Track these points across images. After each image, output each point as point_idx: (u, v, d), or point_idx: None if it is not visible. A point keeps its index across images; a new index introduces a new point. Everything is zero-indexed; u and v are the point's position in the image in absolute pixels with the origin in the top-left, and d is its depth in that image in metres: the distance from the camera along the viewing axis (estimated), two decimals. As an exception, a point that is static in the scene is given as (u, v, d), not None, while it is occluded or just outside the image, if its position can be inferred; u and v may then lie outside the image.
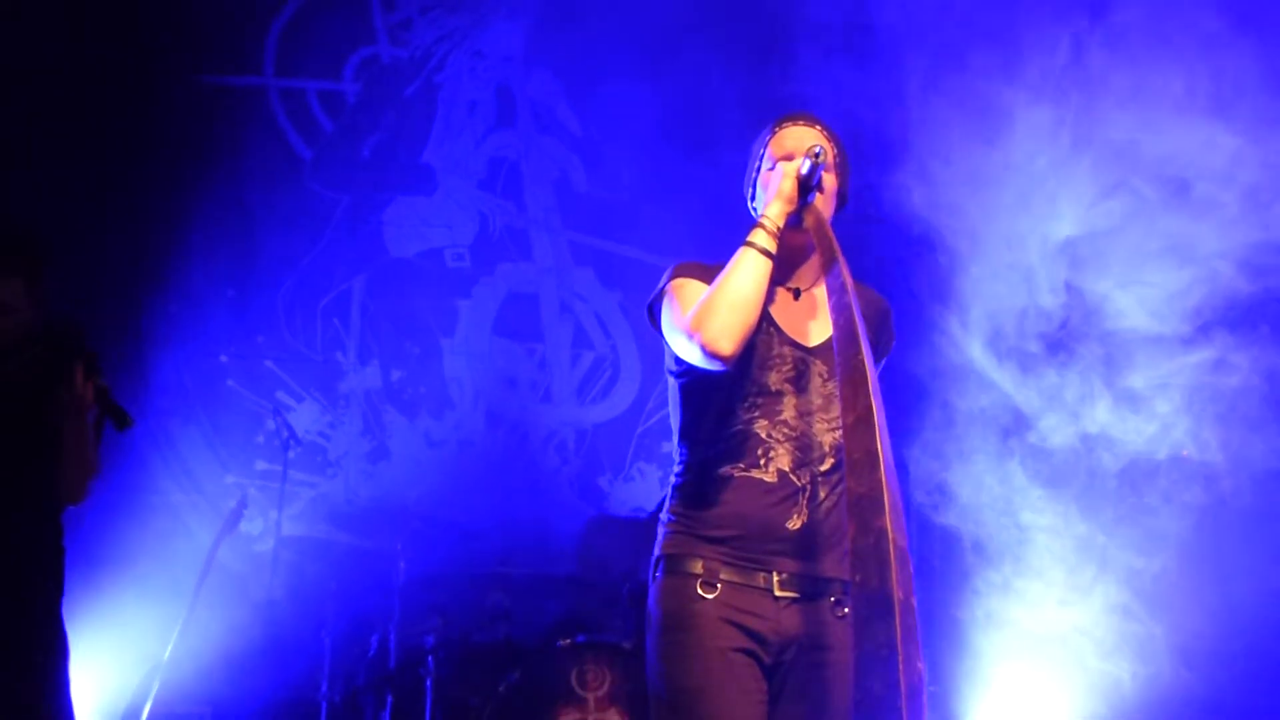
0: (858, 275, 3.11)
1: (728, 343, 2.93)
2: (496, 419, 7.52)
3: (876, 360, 3.20)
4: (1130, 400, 6.06)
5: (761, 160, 3.23)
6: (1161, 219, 5.77)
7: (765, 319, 3.12)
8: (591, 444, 7.54)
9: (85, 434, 3.95)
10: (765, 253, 3.01)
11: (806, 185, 3.07)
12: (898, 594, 2.57)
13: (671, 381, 3.21)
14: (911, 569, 2.69)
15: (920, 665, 2.58)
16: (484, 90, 7.80)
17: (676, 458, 3.19)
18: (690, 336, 2.96)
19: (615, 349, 7.74)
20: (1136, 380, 6.02)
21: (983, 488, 6.45)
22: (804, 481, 3.06)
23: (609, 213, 7.79)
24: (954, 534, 6.75)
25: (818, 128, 3.21)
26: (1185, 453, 6.20)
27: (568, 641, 5.68)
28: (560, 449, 7.54)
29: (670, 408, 3.24)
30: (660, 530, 3.16)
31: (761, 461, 3.06)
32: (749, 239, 3.03)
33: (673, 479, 3.19)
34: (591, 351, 7.72)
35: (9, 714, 3.68)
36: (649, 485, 7.44)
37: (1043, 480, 6.27)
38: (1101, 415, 6.10)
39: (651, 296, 3.21)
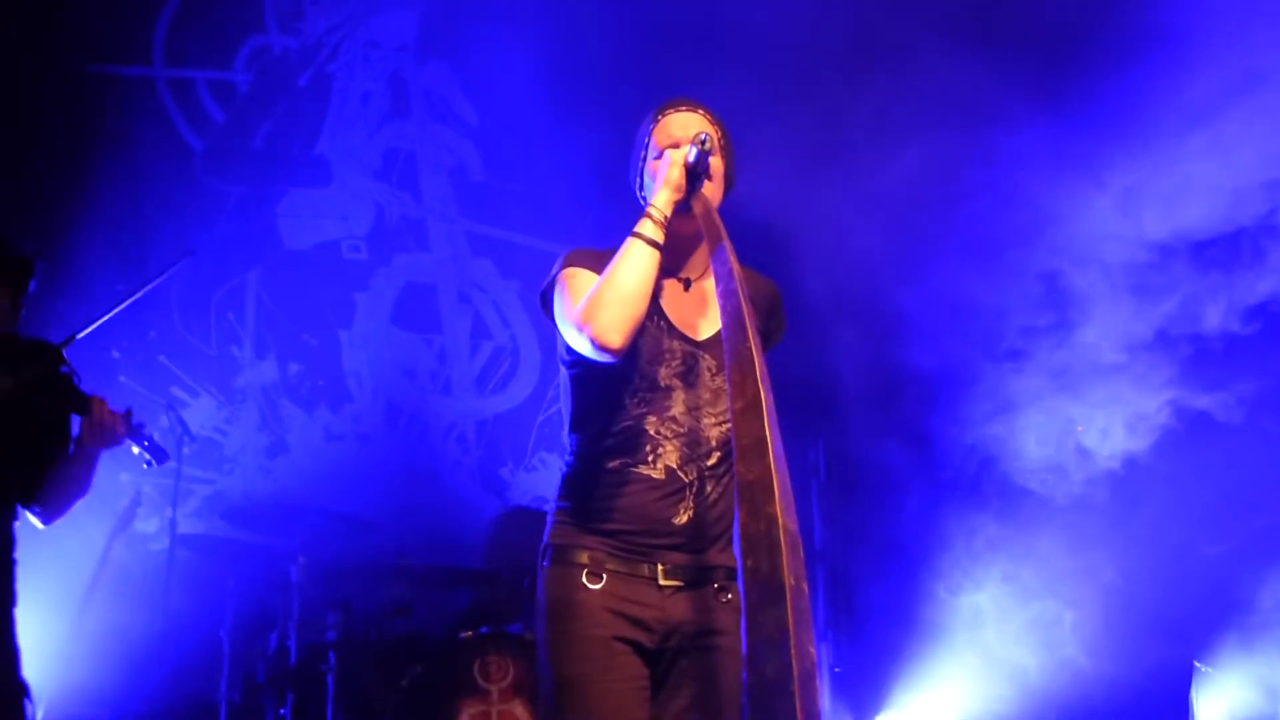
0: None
1: (616, 336, 2.93)
2: (396, 411, 7.47)
3: (767, 347, 3.22)
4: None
5: (647, 149, 3.22)
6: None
7: (655, 312, 3.12)
8: (492, 434, 7.53)
9: (95, 462, 3.99)
10: (652, 243, 3.00)
11: (694, 172, 3.07)
12: (789, 579, 2.59)
13: (563, 371, 3.21)
14: (803, 554, 2.70)
15: (812, 649, 2.60)
16: (378, 80, 7.75)
17: (567, 447, 3.21)
18: (579, 329, 2.96)
19: (514, 338, 7.72)
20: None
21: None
22: (691, 477, 3.08)
23: (506, 202, 7.78)
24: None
25: (700, 112, 3.21)
26: (1080, 428, 6.37)
27: (470, 634, 5.67)
28: (461, 440, 7.52)
29: (562, 398, 3.25)
30: (548, 519, 3.18)
31: (650, 458, 3.07)
32: (636, 229, 3.02)
33: (562, 468, 3.21)
34: (490, 341, 7.70)
35: None
36: (551, 474, 7.42)
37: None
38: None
39: (544, 285, 3.21)
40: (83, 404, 4.12)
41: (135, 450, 4.38)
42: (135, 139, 7.31)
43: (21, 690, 3.88)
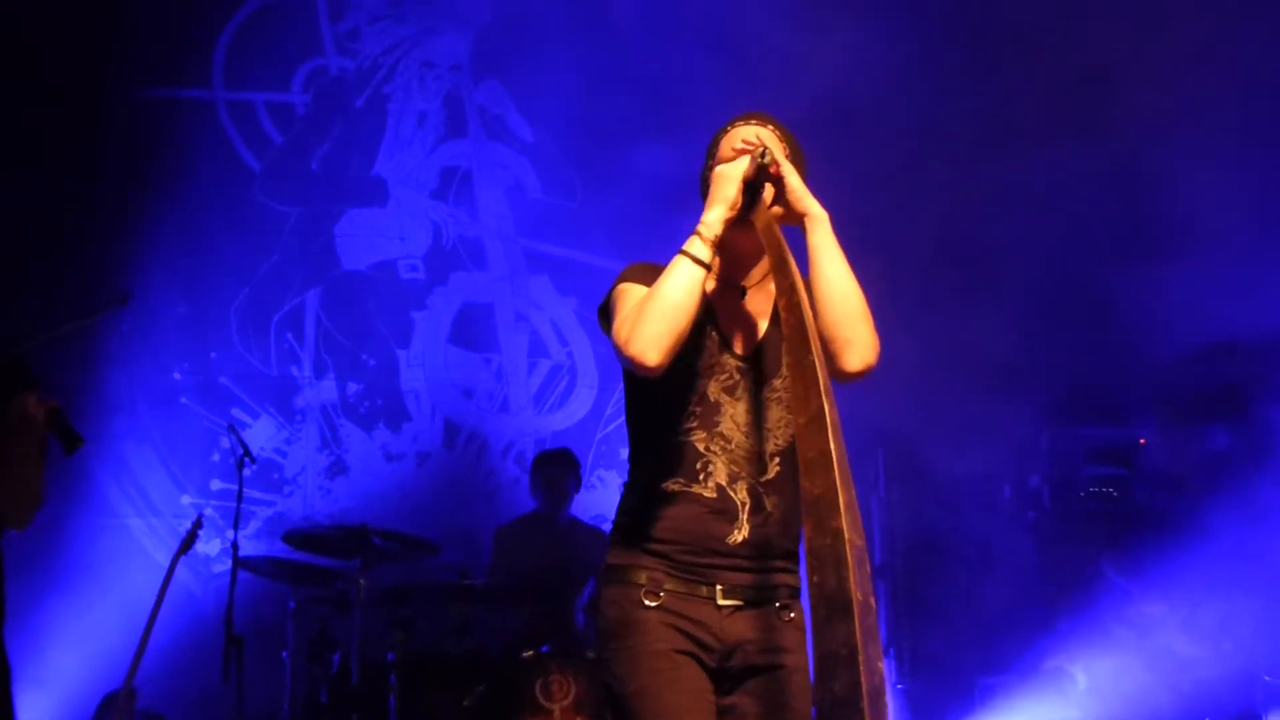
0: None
1: (655, 352, 2.91)
2: (455, 430, 7.50)
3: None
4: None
5: (714, 159, 3.18)
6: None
7: (709, 324, 3.09)
8: (551, 453, 7.50)
9: (30, 457, 3.91)
10: (699, 261, 2.96)
11: (753, 186, 3.03)
12: (856, 595, 2.56)
13: (626, 387, 3.20)
14: (869, 569, 2.68)
15: (880, 665, 2.58)
16: (433, 100, 7.79)
17: (630, 467, 3.19)
18: (620, 345, 2.94)
19: (571, 356, 7.73)
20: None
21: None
22: (743, 495, 3.05)
23: (563, 219, 7.80)
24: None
25: (770, 126, 3.17)
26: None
27: (532, 652, 5.66)
28: (520, 458, 7.53)
29: (626, 414, 3.23)
30: (610, 539, 3.17)
31: (700, 476, 3.05)
32: (684, 246, 2.99)
33: (623, 488, 3.20)
34: (548, 360, 7.71)
35: None
36: (609, 492, 7.43)
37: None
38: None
39: (602, 301, 3.19)
40: (59, 424, 4.00)
41: (57, 436, 4.16)
42: (195, 161, 7.39)
43: (8, 709, 3.82)
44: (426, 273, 7.62)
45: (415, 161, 7.72)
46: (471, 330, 7.63)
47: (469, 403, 7.56)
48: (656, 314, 2.92)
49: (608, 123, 7.48)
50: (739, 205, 3.02)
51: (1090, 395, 6.88)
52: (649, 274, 3.07)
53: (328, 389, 7.39)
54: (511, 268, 7.74)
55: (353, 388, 7.42)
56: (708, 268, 2.98)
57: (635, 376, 3.05)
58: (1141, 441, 6.86)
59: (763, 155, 2.99)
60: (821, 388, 2.73)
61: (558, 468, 6.69)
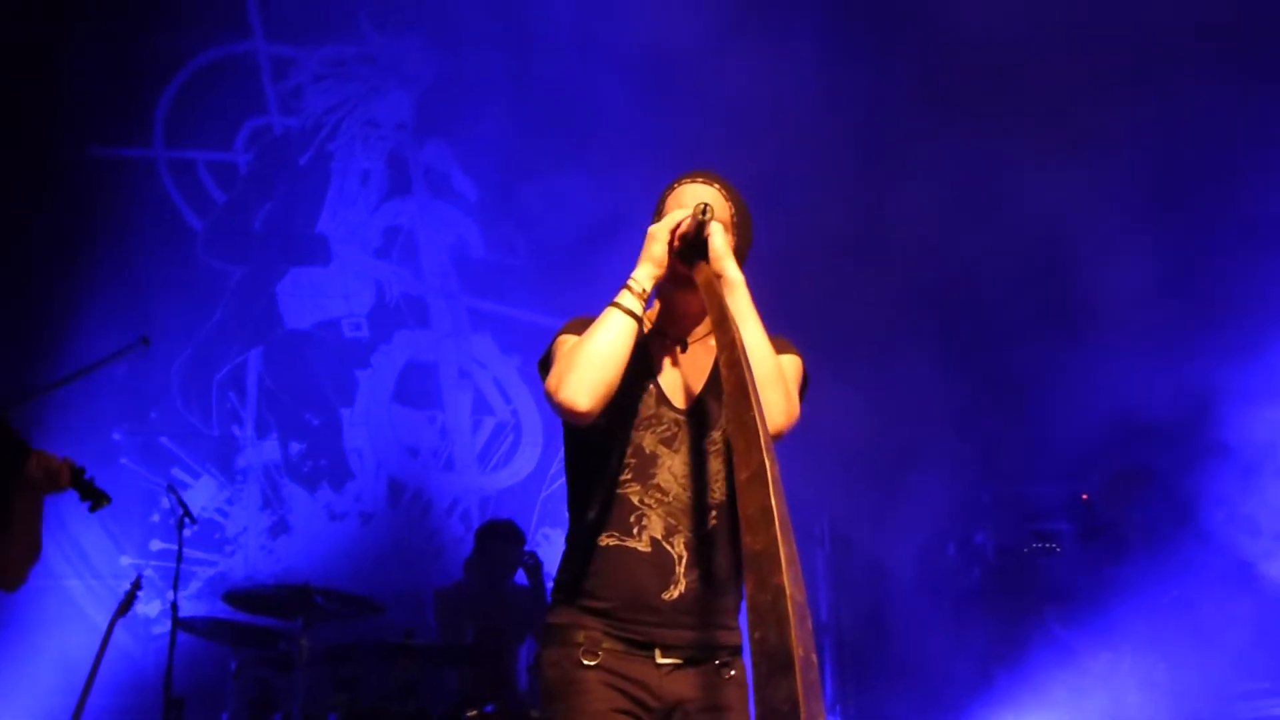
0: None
1: (584, 398, 2.95)
2: (399, 488, 7.47)
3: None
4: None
5: (659, 215, 3.23)
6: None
7: (647, 377, 3.13)
8: (495, 511, 7.50)
9: (39, 514, 3.93)
10: (628, 312, 3.03)
11: (693, 243, 3.07)
12: (798, 650, 2.56)
13: (566, 440, 3.21)
14: (811, 625, 2.69)
15: (823, 721, 2.58)
16: (377, 158, 7.81)
17: (570, 521, 3.20)
18: (551, 391, 2.99)
19: (516, 413, 7.73)
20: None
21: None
22: (679, 549, 3.06)
23: (506, 277, 7.81)
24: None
25: (715, 186, 3.21)
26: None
27: (475, 713, 5.62)
28: (464, 517, 7.50)
29: (566, 468, 3.24)
30: (551, 598, 3.17)
31: (635, 530, 3.06)
32: (615, 299, 3.05)
33: (565, 546, 3.20)
34: (492, 417, 7.70)
35: None
36: (555, 551, 7.36)
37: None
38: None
39: (543, 354, 3.22)
40: (23, 456, 4.05)
41: (82, 495, 4.24)
42: (137, 220, 7.37)
43: None
44: (370, 331, 7.61)
45: (359, 220, 7.72)
46: (415, 388, 7.61)
47: (413, 461, 7.53)
48: (585, 361, 2.97)
49: (551, 180, 7.51)
50: (665, 264, 3.08)
51: (1030, 456, 6.98)
52: (586, 327, 3.10)
53: (270, 448, 7.35)
54: (455, 325, 7.74)
55: (296, 447, 7.39)
56: (638, 319, 3.04)
57: (574, 429, 3.08)
58: (1084, 497, 6.94)
59: (704, 212, 3.05)
60: (763, 444, 2.75)
61: (501, 544, 6.66)
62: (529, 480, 7.68)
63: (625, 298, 3.04)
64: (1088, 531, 6.85)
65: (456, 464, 7.60)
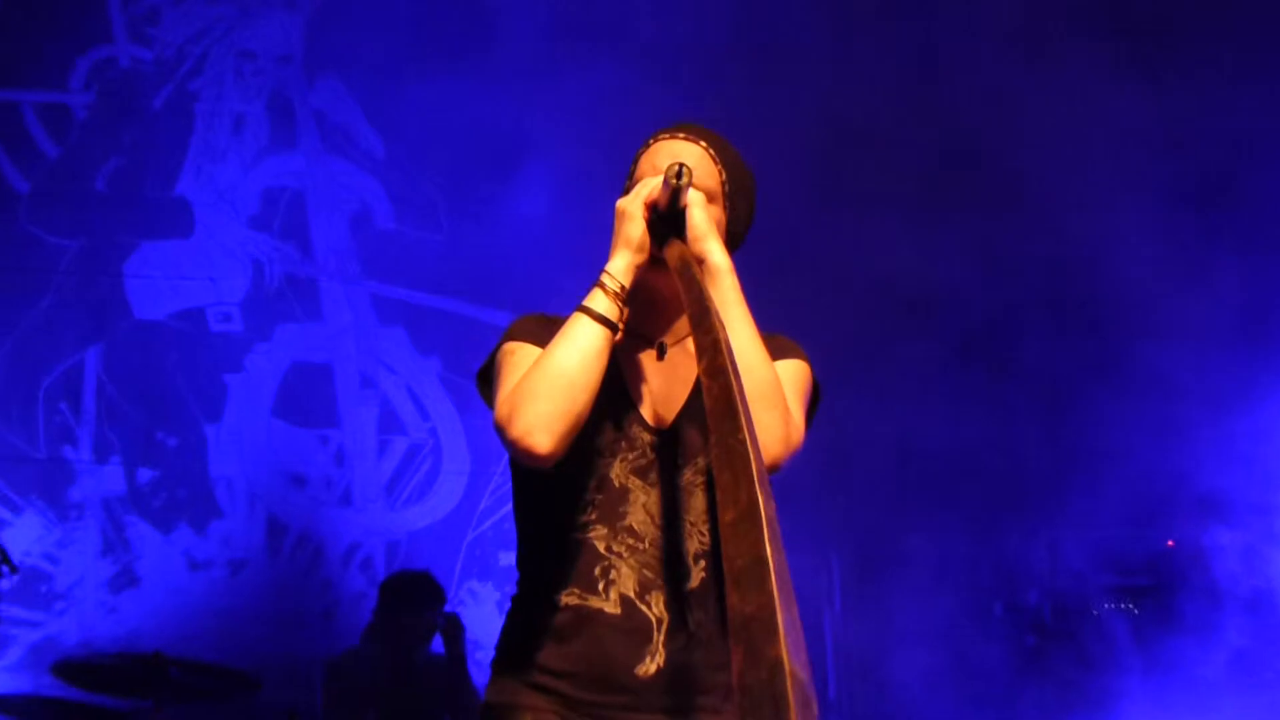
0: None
1: (545, 437, 2.89)
2: (280, 529, 7.47)
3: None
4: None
5: (630, 183, 3.20)
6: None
7: (615, 389, 3.10)
8: (407, 559, 7.50)
9: None
10: (602, 320, 2.97)
11: (668, 219, 3.03)
12: (798, 742, 2.58)
13: (512, 470, 3.21)
14: (816, 710, 2.70)
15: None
16: (254, 100, 7.79)
17: (517, 574, 3.19)
18: (502, 426, 2.93)
19: (435, 433, 7.74)
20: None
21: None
22: (658, 610, 3.04)
23: (424, 255, 7.81)
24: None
25: (701, 143, 3.19)
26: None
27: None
28: (366, 566, 7.51)
29: (514, 505, 3.23)
30: (491, 671, 3.16)
31: (600, 585, 3.03)
32: (585, 301, 2.99)
33: (509, 603, 3.19)
34: (404, 438, 7.70)
35: None
36: (484, 612, 7.42)
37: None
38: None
39: (482, 364, 3.19)
40: None
41: None
42: (-64, 180, 7.35)
43: None
44: (244, 324, 7.60)
45: (230, 179, 7.72)
46: (303, 399, 7.62)
47: (299, 493, 7.53)
48: (547, 388, 2.91)
49: (484, 134, 7.52)
50: (647, 249, 3.03)
51: (1096, 493, 7.11)
52: (545, 330, 3.07)
53: (113, 476, 7.33)
54: (356, 318, 7.75)
55: (146, 475, 7.37)
56: (615, 328, 2.99)
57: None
58: (1170, 544, 7.02)
59: (678, 176, 2.95)
60: (754, 476, 2.73)
61: (413, 602, 6.63)
62: (451, 519, 7.67)
63: (597, 300, 2.99)
64: (1174, 587, 6.91)
65: (356, 497, 7.61)
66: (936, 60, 7.47)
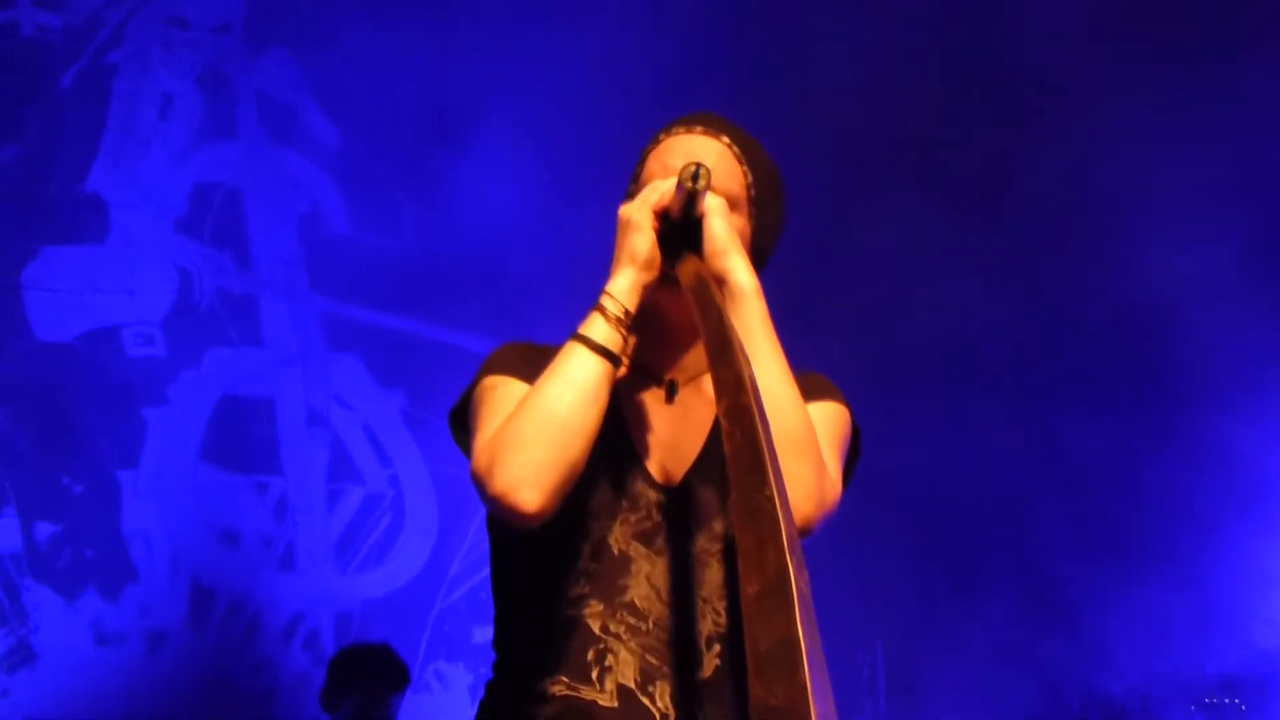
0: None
1: (533, 491, 2.85)
2: (207, 597, 7.46)
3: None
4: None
5: (636, 185, 3.19)
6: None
7: (615, 437, 3.07)
8: (362, 633, 7.51)
9: None
10: (603, 351, 2.94)
11: (681, 230, 3.00)
12: None
13: (490, 533, 3.18)
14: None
15: None
16: (185, 78, 7.79)
17: (494, 656, 3.17)
18: (481, 478, 2.89)
19: (397, 481, 7.74)
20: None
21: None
22: (662, 705, 3.00)
23: (387, 267, 7.82)
24: None
25: (723, 139, 3.18)
26: None
27: None
28: (312, 643, 7.50)
29: (491, 574, 3.20)
30: None
31: (594, 673, 3.00)
32: (581, 328, 2.96)
33: (483, 690, 3.16)
34: (359, 487, 7.71)
35: None
36: (454, 699, 7.46)
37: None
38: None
39: (457, 402, 3.17)
40: None
41: None
42: None
43: None
44: (168, 348, 7.59)
45: (154, 174, 7.72)
46: (238, 439, 7.62)
47: (232, 553, 7.52)
48: (536, 432, 2.88)
49: (460, 119, 7.52)
50: (657, 266, 3.00)
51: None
52: (532, 362, 3.04)
53: (6, 531, 7.31)
54: (304, 342, 7.75)
55: (46, 530, 7.36)
56: (617, 360, 2.96)
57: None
58: None
59: (695, 178, 2.93)
60: (784, 540, 2.70)
61: (370, 685, 6.63)
62: (415, 587, 7.68)
63: (596, 326, 2.95)
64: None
65: (301, 559, 7.60)
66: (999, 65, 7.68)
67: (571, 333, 2.96)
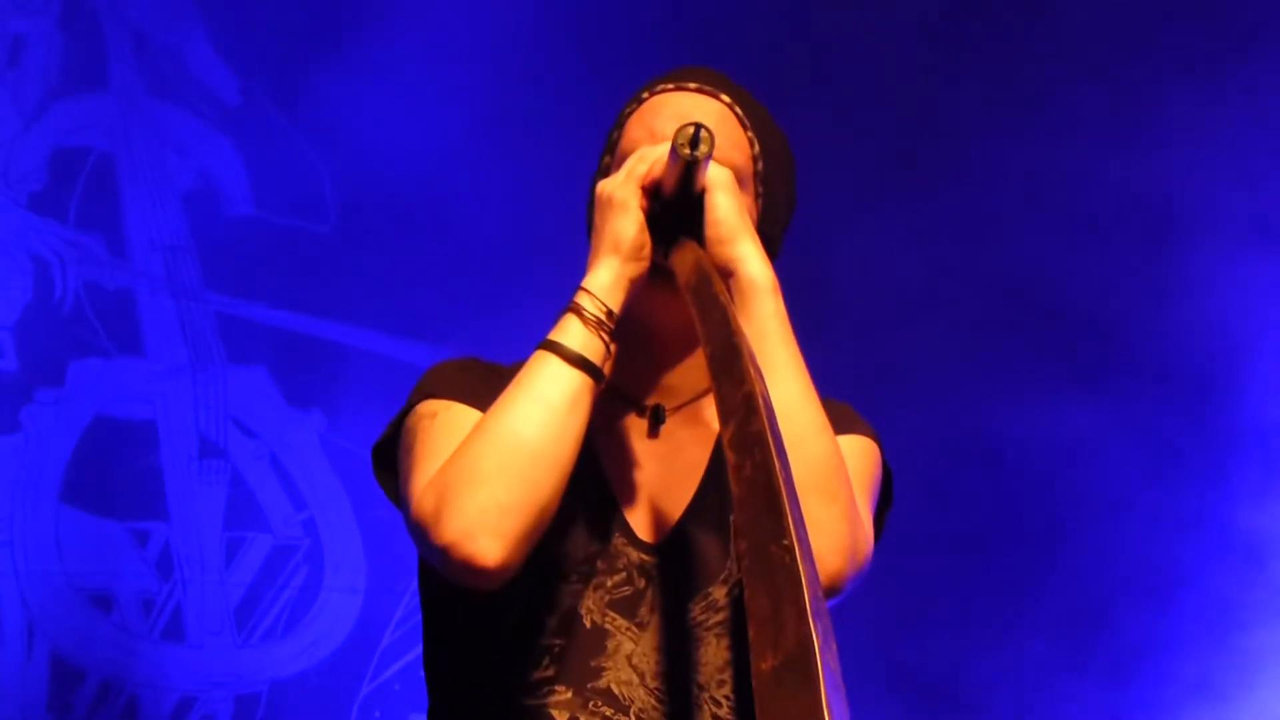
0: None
1: (493, 541, 2.81)
2: (72, 676, 7.47)
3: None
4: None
5: (612, 156, 3.21)
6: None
7: (589, 480, 3.08)
8: (270, 721, 7.53)
9: None
10: (580, 363, 2.92)
11: (672, 204, 3.00)
12: None
13: (424, 594, 3.20)
14: None
15: None
16: (40, 15, 7.81)
17: None
18: (423, 527, 2.87)
19: (313, 526, 7.74)
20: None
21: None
22: None
23: (302, 257, 7.84)
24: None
25: (722, 97, 3.20)
26: None
27: None
28: (206, 733, 7.52)
29: (424, 649, 3.24)
30: None
31: None
32: (552, 334, 2.96)
33: None
34: (264, 535, 7.72)
35: None
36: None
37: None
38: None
39: (384, 433, 3.20)
40: None
41: None
42: None
43: None
44: (19, 360, 7.62)
45: (2, 136, 7.75)
46: (110, 475, 7.64)
47: (102, 620, 7.53)
48: (497, 465, 2.84)
49: (390, 75, 7.57)
50: (647, 254, 3.01)
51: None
52: (483, 382, 3.08)
53: None
54: (194, 351, 7.76)
55: None
56: (598, 373, 2.95)
57: (443, 578, 2.98)
58: None
59: (694, 143, 2.89)
60: (806, 602, 2.75)
61: None
62: (337, 662, 7.70)
63: (571, 331, 2.93)
64: None
65: (191, 627, 7.62)
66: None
67: (540, 340, 2.95)
